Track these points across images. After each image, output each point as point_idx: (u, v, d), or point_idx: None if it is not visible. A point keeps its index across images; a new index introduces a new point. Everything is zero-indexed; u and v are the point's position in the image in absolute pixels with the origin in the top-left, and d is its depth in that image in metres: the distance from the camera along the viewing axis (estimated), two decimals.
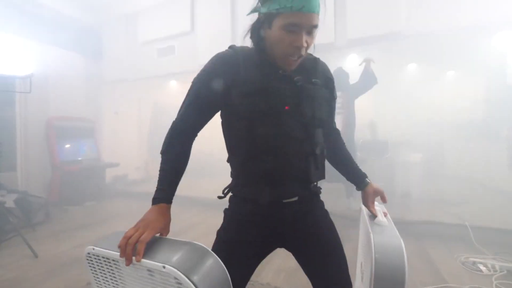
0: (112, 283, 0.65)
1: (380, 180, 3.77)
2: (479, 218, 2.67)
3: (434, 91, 4.82)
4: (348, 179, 0.94)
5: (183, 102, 0.77)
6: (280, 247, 0.83)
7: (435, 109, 4.65)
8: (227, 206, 0.84)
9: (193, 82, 0.77)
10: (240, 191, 0.80)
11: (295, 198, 0.77)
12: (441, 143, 4.72)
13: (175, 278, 0.54)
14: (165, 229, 0.70)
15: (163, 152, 0.76)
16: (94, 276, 0.68)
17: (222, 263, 0.61)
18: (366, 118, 4.14)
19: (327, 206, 0.86)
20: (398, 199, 3.55)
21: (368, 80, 3.09)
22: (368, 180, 0.91)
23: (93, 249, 0.64)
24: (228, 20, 3.55)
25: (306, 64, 0.79)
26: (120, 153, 4.76)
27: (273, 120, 0.72)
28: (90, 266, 0.67)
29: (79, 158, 4.10)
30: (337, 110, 3.07)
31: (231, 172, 0.82)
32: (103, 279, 0.67)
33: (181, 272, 0.53)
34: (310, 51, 0.80)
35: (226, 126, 0.80)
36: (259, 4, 0.73)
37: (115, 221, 3.28)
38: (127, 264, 0.59)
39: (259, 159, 0.73)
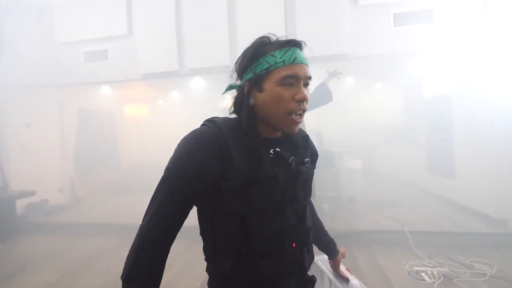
0: None
1: (328, 189, 4.06)
2: (412, 221, 3.08)
3: (366, 101, 5.41)
4: (320, 248, 0.94)
5: (151, 204, 0.61)
6: None
7: (368, 117, 5.23)
8: None
9: (167, 172, 0.61)
10: None
11: None
12: (374, 148, 5.33)
13: None
14: None
15: (125, 280, 0.59)
16: None
17: None
18: (312, 129, 4.35)
19: None
20: (345, 204, 3.86)
21: (325, 95, 3.09)
22: (338, 248, 0.95)
23: None
24: (172, 22, 3.19)
25: (298, 142, 0.75)
26: (36, 175, 3.87)
27: (271, 215, 0.64)
28: None
29: None
30: None
31: (212, 272, 0.69)
32: None
33: None
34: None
35: (210, 223, 0.66)
36: (236, 77, 0.69)
37: (31, 271, 2.54)
38: None
39: (255, 263, 0.64)
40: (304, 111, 0.65)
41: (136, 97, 4.90)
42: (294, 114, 0.63)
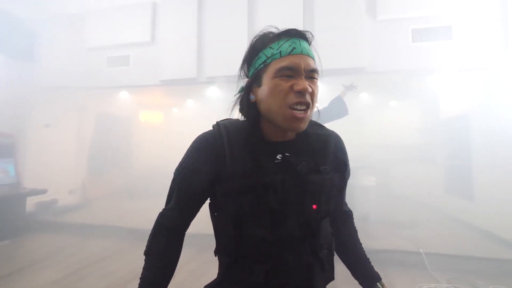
0: None
1: None
2: (429, 243, 2.90)
3: (383, 117, 5.34)
4: (355, 276, 0.76)
5: (168, 194, 0.69)
6: None
7: (384, 134, 5.13)
8: None
9: (175, 173, 0.68)
10: None
11: None
12: (389, 166, 5.17)
13: None
14: None
15: (146, 253, 0.66)
16: None
17: None
18: None
19: None
20: (358, 222, 3.68)
21: (341, 109, 3.06)
22: (380, 286, 0.72)
23: None
24: (194, 32, 3.31)
25: (313, 145, 0.66)
26: (49, 174, 3.94)
27: (267, 222, 0.60)
28: None
29: None
30: None
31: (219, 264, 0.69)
32: None
33: None
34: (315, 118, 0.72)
35: (213, 215, 0.69)
36: (243, 77, 0.68)
37: (35, 269, 2.51)
38: None
39: (249, 268, 0.61)
40: (308, 105, 0.58)
41: (153, 104, 5.03)
42: (295, 108, 0.58)
